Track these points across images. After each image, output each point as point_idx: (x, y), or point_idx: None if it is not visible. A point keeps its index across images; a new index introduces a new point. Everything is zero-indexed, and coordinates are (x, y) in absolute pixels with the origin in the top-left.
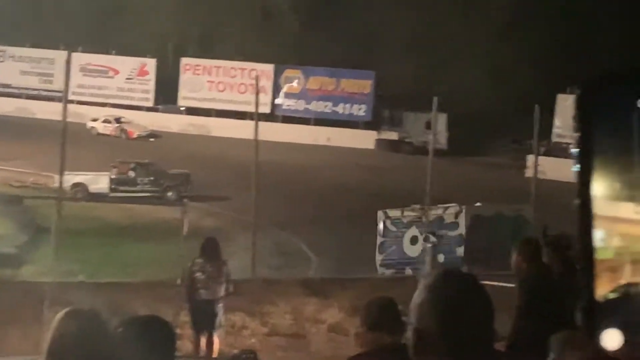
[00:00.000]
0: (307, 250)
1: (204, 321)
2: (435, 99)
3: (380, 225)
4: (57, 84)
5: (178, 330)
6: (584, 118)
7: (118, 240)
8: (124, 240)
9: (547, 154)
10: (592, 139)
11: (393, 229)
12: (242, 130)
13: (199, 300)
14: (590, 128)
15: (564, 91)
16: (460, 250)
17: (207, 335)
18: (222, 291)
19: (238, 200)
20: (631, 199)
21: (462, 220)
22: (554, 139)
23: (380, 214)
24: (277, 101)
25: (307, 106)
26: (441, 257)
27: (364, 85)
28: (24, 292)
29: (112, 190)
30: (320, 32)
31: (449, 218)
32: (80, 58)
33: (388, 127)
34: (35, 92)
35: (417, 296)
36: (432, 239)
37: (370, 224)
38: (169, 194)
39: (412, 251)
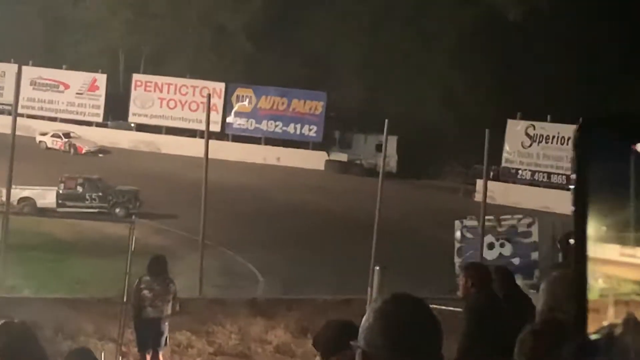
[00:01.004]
0: (255, 270)
1: (150, 339)
2: (386, 122)
3: (458, 234)
4: (7, 97)
5: (123, 348)
6: (580, 159)
7: (65, 255)
8: (71, 255)
9: (495, 178)
10: (587, 181)
11: (470, 236)
12: (192, 148)
13: (145, 318)
14: (586, 169)
15: (514, 116)
16: (535, 255)
17: (152, 354)
18: (168, 309)
19: (186, 219)
20: (617, 240)
21: (535, 230)
22: (503, 163)
23: (457, 223)
24: (228, 120)
25: (258, 125)
26: (517, 261)
27: (315, 106)
28: None
29: (59, 205)
30: (272, 52)
31: (521, 227)
32: (30, 72)
33: (338, 148)
34: None
35: (366, 319)
36: (507, 245)
37: (318, 244)
38: (117, 210)
39: (490, 255)
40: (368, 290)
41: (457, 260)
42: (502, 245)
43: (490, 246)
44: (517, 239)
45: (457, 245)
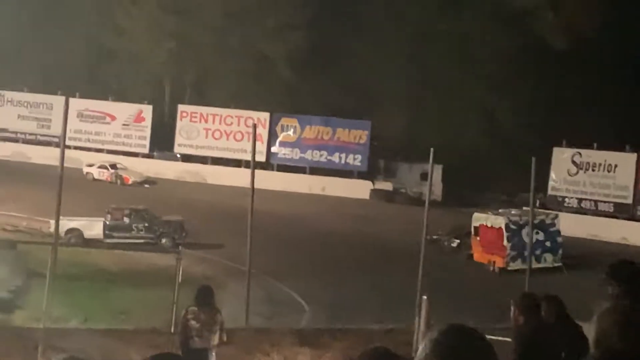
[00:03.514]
0: (300, 300)
1: None
2: (431, 150)
3: (503, 225)
4: (55, 129)
5: None
6: None
7: (112, 286)
8: (118, 286)
9: (542, 206)
10: None
11: (513, 227)
12: (237, 178)
13: (192, 349)
14: None
15: (560, 144)
16: (559, 239)
17: None
18: (215, 340)
19: (232, 248)
20: None
21: (558, 221)
22: (549, 191)
23: (502, 219)
24: (273, 149)
25: (303, 155)
26: (548, 243)
27: (360, 135)
28: (17, 338)
29: (106, 236)
30: (315, 81)
31: (549, 220)
32: (78, 104)
33: (383, 177)
34: (32, 137)
35: (423, 350)
36: (541, 232)
37: (363, 274)
38: (163, 240)
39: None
40: (416, 319)
41: (506, 244)
42: (536, 233)
43: (528, 233)
44: (547, 228)
45: (505, 234)
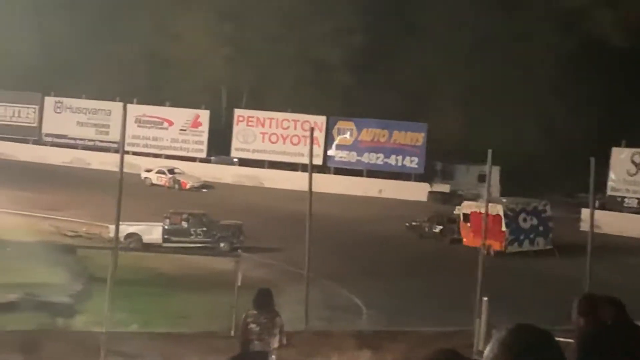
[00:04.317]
0: (359, 302)
1: None
2: (489, 152)
3: (501, 212)
4: (113, 135)
5: None
6: None
7: (171, 290)
8: (177, 290)
9: (602, 207)
10: None
11: (510, 214)
12: (295, 181)
13: (252, 352)
14: None
15: (618, 144)
16: (550, 224)
17: None
18: (275, 343)
19: (290, 252)
20: None
21: (548, 208)
22: (609, 192)
23: (500, 206)
24: (330, 153)
25: (359, 158)
26: (541, 228)
27: (416, 137)
28: (78, 342)
29: (165, 240)
30: (372, 84)
31: (541, 207)
32: (135, 109)
33: (440, 179)
34: (91, 143)
35: (491, 350)
36: (535, 218)
37: (422, 276)
38: (222, 244)
39: (525, 225)
40: (476, 321)
41: (505, 230)
42: (531, 219)
43: (524, 220)
44: (540, 214)
45: (504, 220)
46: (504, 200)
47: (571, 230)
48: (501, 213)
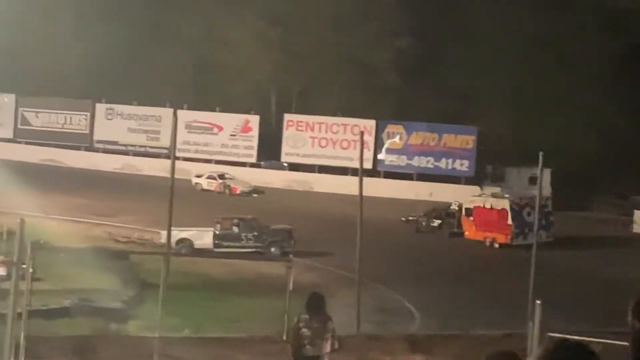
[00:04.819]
0: (410, 306)
1: None
2: (540, 154)
3: (507, 207)
4: (164, 140)
5: None
6: None
7: (222, 295)
8: (228, 295)
9: None
10: None
11: (515, 208)
12: (345, 185)
13: (304, 357)
14: None
15: None
16: (552, 218)
17: None
18: (327, 347)
19: (340, 256)
20: None
21: (549, 203)
22: None
23: (506, 201)
24: (379, 157)
25: (409, 161)
26: (543, 221)
27: (467, 140)
28: (131, 347)
29: (216, 245)
30: (421, 88)
31: (543, 201)
32: (185, 115)
33: (491, 182)
34: (142, 149)
35: None
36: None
37: (473, 279)
38: (272, 249)
39: (529, 219)
40: (529, 324)
41: (511, 223)
42: (534, 213)
43: (528, 214)
44: (541, 209)
45: (510, 214)
46: (506, 195)
47: (623, 232)
48: (507, 207)
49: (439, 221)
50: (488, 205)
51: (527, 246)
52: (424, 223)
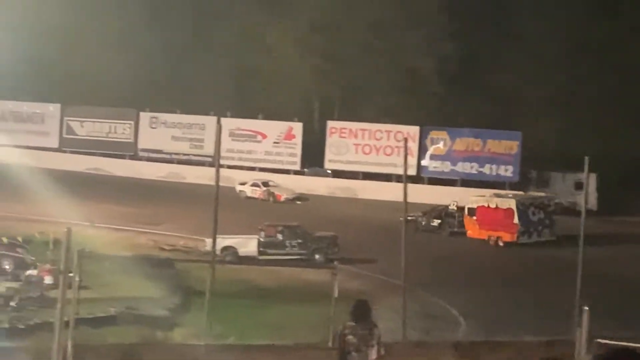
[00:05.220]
0: (455, 313)
1: None
2: (586, 159)
3: (513, 206)
4: (207, 148)
5: None
6: None
7: (267, 302)
8: (273, 302)
9: None
10: None
11: (521, 207)
12: (389, 192)
13: None
14: None
15: None
16: (555, 218)
17: None
18: (373, 354)
19: (385, 263)
20: None
21: (553, 203)
22: None
23: (513, 201)
24: (423, 163)
25: (453, 167)
26: (546, 221)
27: (511, 145)
28: (177, 355)
29: (260, 253)
30: (464, 93)
31: (546, 201)
32: (229, 123)
33: (535, 187)
34: (185, 157)
35: None
36: (542, 212)
37: (518, 285)
38: (317, 256)
39: (533, 218)
40: (577, 330)
41: (517, 222)
42: (539, 213)
43: (533, 213)
44: (546, 208)
45: (516, 213)
46: (510, 195)
47: None
48: (513, 207)
49: (439, 221)
50: (493, 205)
51: (531, 244)
52: (423, 223)
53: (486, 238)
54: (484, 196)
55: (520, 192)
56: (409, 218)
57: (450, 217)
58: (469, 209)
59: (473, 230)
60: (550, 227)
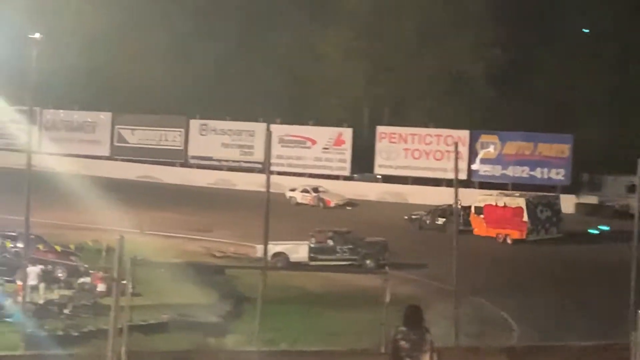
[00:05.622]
0: (507, 317)
1: None
2: (639, 161)
3: (523, 205)
4: (257, 155)
5: None
6: None
7: (319, 308)
8: (325, 308)
9: None
10: None
11: (531, 206)
12: (439, 197)
13: None
14: None
15: None
16: (562, 215)
17: None
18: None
19: (435, 268)
20: None
21: (559, 201)
22: None
23: (522, 199)
24: (473, 167)
25: (504, 171)
26: (554, 219)
27: (562, 148)
28: None
29: (311, 259)
30: (514, 96)
31: (553, 200)
32: (278, 129)
33: (587, 191)
34: (235, 164)
35: None
36: (550, 210)
37: (572, 289)
38: (367, 261)
39: (541, 216)
40: (631, 334)
41: (527, 220)
42: (546, 211)
43: (541, 211)
44: (553, 207)
45: (526, 211)
46: (517, 194)
47: None
48: (523, 205)
49: (444, 219)
50: (501, 204)
51: (540, 241)
52: (427, 221)
53: (494, 236)
54: (491, 195)
55: (516, 192)
56: (413, 217)
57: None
58: (476, 207)
59: (480, 228)
60: (557, 225)
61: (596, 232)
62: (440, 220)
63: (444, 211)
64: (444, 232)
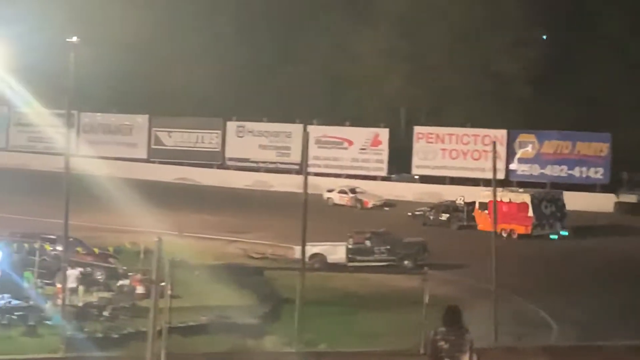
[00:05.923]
0: (547, 317)
1: None
2: None
3: (528, 200)
4: (294, 156)
5: None
6: None
7: (357, 309)
8: (364, 309)
9: None
10: None
11: (536, 202)
12: (477, 196)
13: None
14: None
15: None
16: (565, 210)
17: None
18: None
19: (474, 268)
20: None
21: (562, 196)
22: None
23: (527, 195)
24: (511, 166)
25: (542, 170)
26: (557, 214)
27: (601, 147)
28: None
29: (349, 259)
30: (552, 95)
31: (557, 195)
32: (315, 130)
33: (627, 189)
34: (272, 165)
35: None
36: (554, 206)
37: (611, 288)
38: (405, 262)
39: (546, 212)
40: None
41: (532, 215)
42: (551, 206)
43: (545, 207)
44: (557, 202)
45: (531, 207)
46: (520, 190)
47: None
48: (528, 201)
49: (447, 215)
50: (506, 199)
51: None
52: (431, 217)
53: (499, 231)
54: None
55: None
56: (417, 213)
57: (459, 212)
58: (480, 203)
59: (485, 223)
60: (561, 220)
61: (555, 237)
62: (444, 216)
63: (448, 207)
64: (448, 227)
